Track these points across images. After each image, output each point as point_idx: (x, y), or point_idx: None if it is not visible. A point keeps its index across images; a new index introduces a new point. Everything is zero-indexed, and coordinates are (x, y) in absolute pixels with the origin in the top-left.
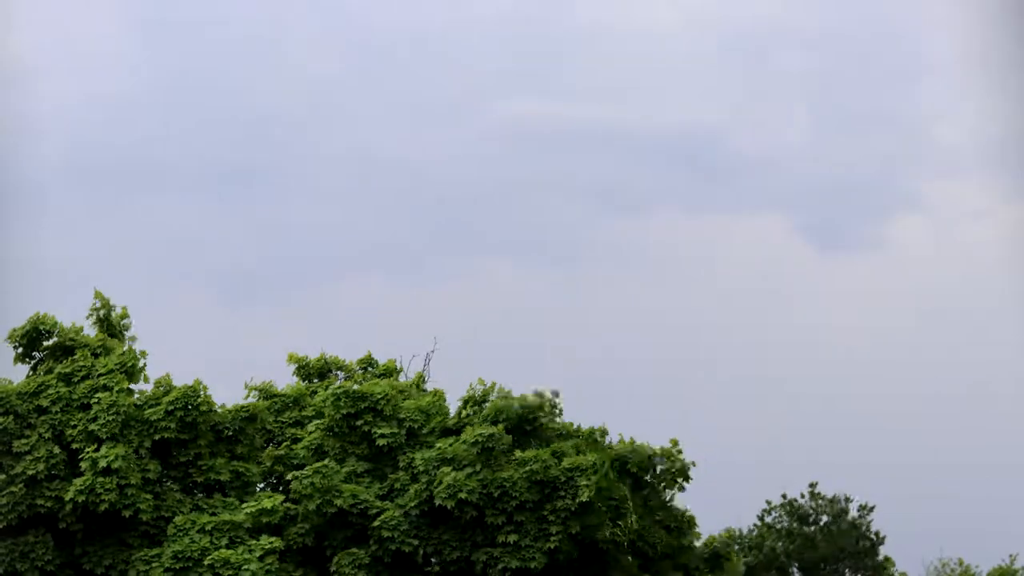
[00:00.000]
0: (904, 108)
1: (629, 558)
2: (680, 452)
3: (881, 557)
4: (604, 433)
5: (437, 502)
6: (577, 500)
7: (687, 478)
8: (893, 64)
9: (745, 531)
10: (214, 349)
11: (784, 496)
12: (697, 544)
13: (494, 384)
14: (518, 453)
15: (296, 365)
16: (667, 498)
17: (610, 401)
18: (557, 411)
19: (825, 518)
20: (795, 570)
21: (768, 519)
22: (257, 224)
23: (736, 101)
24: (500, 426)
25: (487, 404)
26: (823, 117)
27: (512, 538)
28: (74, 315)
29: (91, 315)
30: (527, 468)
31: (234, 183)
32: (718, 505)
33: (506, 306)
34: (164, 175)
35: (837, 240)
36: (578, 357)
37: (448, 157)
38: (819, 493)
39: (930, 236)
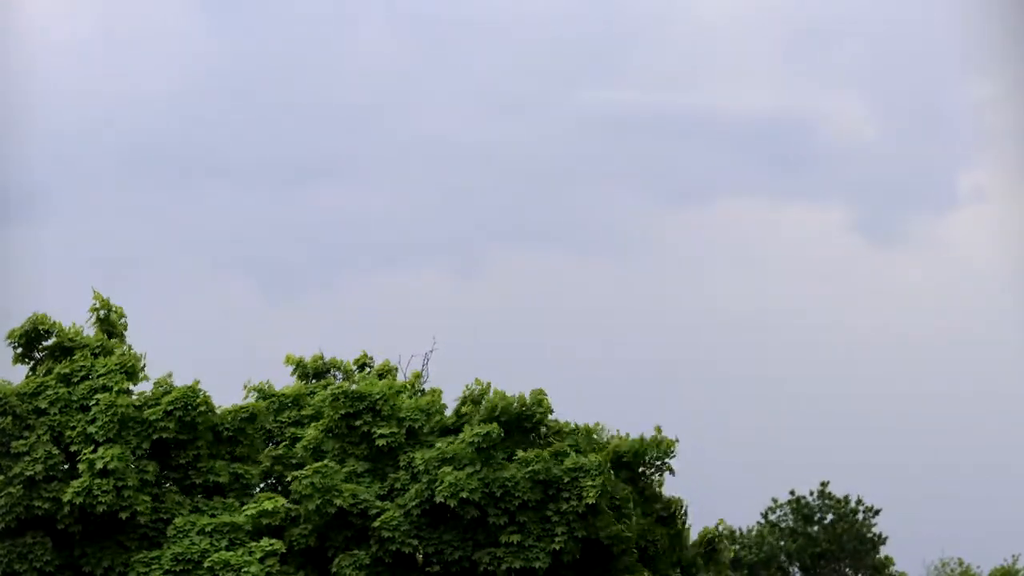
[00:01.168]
0: (965, 100)
1: (634, 552)
2: (661, 434)
3: (882, 556)
4: (600, 430)
5: (439, 500)
6: (583, 502)
7: (670, 455)
8: (956, 55)
9: (746, 530)
10: (255, 342)
11: (792, 493)
12: (692, 537)
13: (489, 384)
14: (520, 453)
15: (293, 365)
16: (658, 486)
17: (620, 397)
18: (550, 410)
19: (831, 517)
20: (795, 569)
21: (772, 517)
22: (309, 215)
23: (800, 91)
24: (495, 424)
25: (483, 402)
26: (884, 108)
27: (515, 538)
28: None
29: (91, 315)
30: (529, 468)
31: (300, 174)
32: (721, 503)
33: (537, 300)
34: (224, 165)
35: (889, 235)
36: (598, 353)
37: (515, 149)
38: (829, 492)
39: (980, 233)
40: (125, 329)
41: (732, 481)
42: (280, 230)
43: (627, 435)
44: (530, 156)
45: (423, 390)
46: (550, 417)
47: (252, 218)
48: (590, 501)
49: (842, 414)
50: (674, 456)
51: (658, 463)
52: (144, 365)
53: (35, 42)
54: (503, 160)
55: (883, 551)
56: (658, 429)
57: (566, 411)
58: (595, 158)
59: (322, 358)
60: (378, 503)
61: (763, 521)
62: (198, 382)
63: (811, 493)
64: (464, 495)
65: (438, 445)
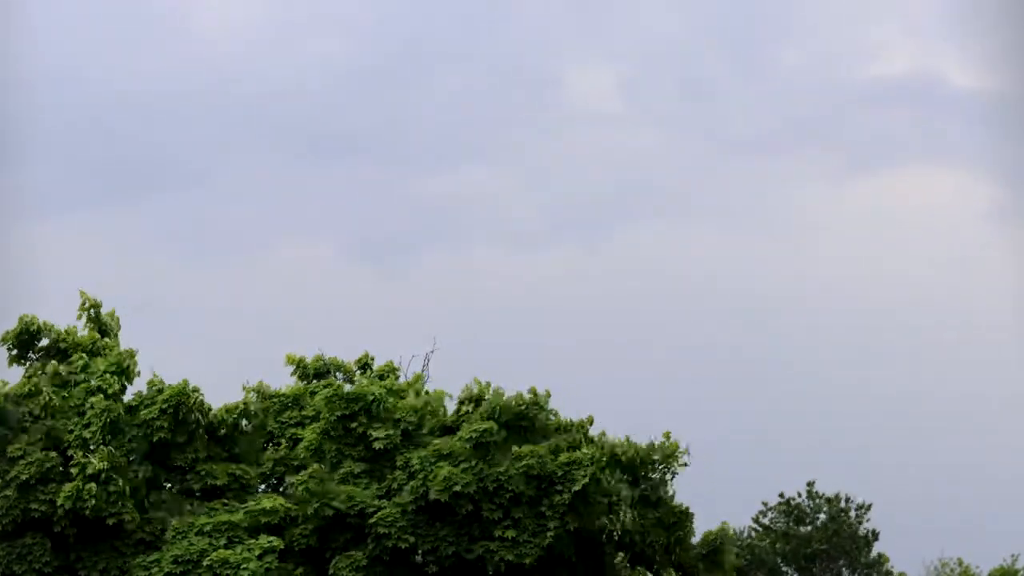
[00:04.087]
0: None
1: (620, 554)
2: (675, 446)
3: (875, 554)
4: (591, 423)
5: (432, 496)
6: (572, 490)
7: (681, 463)
8: None
9: (740, 531)
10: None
11: (781, 495)
12: (694, 540)
13: (488, 384)
14: (515, 448)
15: (294, 366)
16: (664, 491)
17: (622, 397)
18: (549, 408)
19: (822, 517)
20: (790, 570)
21: (764, 520)
22: (446, 196)
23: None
24: (492, 423)
25: (484, 402)
26: None
27: (509, 533)
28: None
29: (80, 315)
30: (523, 463)
31: (445, 155)
32: (715, 504)
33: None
34: (367, 144)
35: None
36: (614, 346)
37: (688, 125)
38: (816, 492)
39: None
40: (119, 330)
41: (728, 481)
42: (406, 210)
43: (627, 437)
44: (701, 131)
45: (426, 391)
46: (551, 417)
47: (381, 198)
48: (577, 488)
49: (842, 414)
50: (683, 464)
51: (664, 469)
52: (138, 370)
53: (202, 25)
54: (672, 136)
55: (879, 548)
56: (667, 435)
57: (569, 406)
58: (771, 132)
59: (323, 358)
60: (375, 503)
61: (755, 525)
62: (186, 381)
63: (799, 494)
64: (457, 488)
65: (435, 443)
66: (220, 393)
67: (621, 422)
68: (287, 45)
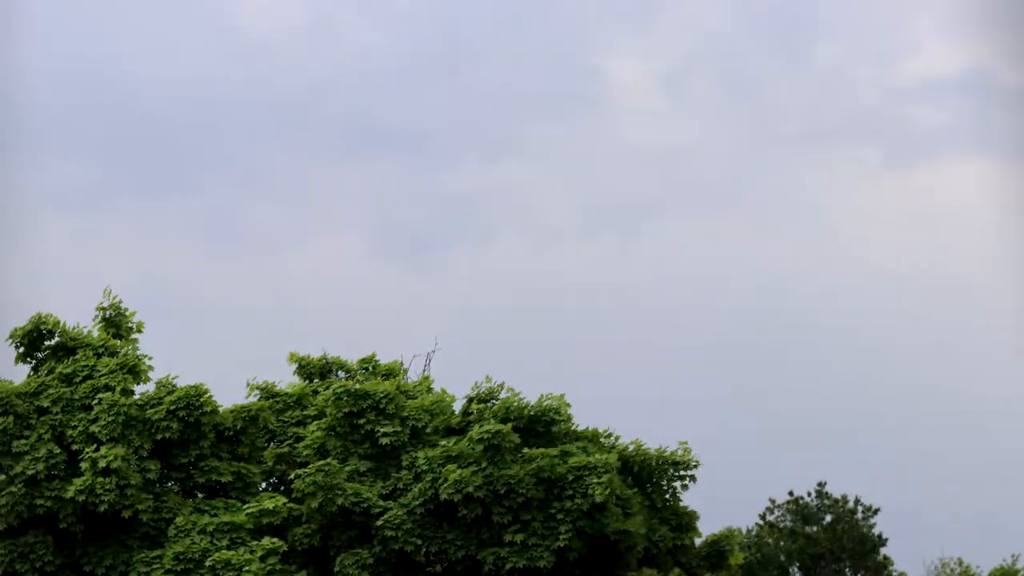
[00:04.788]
0: None
1: (639, 552)
2: (688, 452)
3: (880, 557)
4: (608, 435)
5: (443, 497)
6: (589, 500)
7: (693, 478)
8: None
9: (745, 530)
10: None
11: (791, 494)
12: (698, 542)
13: (502, 384)
14: (526, 451)
15: (297, 364)
16: (669, 497)
17: (622, 396)
18: (567, 415)
19: (829, 517)
20: (795, 569)
21: (771, 517)
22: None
23: None
24: (508, 425)
25: (496, 401)
26: None
27: (519, 537)
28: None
29: (96, 315)
30: (533, 465)
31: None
32: (721, 504)
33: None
34: (409, 140)
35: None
36: (614, 343)
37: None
38: (826, 492)
39: None
40: (139, 331)
41: (733, 481)
42: (436, 207)
43: (638, 440)
44: (740, 127)
45: (431, 390)
46: (566, 424)
47: (413, 194)
48: (598, 499)
49: (843, 414)
50: (695, 480)
51: (677, 477)
52: (151, 367)
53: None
54: (711, 131)
55: (883, 552)
56: (686, 449)
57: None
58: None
59: (326, 357)
60: (381, 502)
61: (761, 522)
62: (202, 384)
63: (809, 494)
64: (468, 491)
65: (443, 444)
66: (238, 392)
67: (632, 422)
68: (318, 41)
